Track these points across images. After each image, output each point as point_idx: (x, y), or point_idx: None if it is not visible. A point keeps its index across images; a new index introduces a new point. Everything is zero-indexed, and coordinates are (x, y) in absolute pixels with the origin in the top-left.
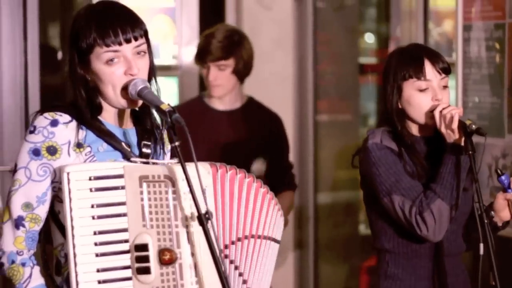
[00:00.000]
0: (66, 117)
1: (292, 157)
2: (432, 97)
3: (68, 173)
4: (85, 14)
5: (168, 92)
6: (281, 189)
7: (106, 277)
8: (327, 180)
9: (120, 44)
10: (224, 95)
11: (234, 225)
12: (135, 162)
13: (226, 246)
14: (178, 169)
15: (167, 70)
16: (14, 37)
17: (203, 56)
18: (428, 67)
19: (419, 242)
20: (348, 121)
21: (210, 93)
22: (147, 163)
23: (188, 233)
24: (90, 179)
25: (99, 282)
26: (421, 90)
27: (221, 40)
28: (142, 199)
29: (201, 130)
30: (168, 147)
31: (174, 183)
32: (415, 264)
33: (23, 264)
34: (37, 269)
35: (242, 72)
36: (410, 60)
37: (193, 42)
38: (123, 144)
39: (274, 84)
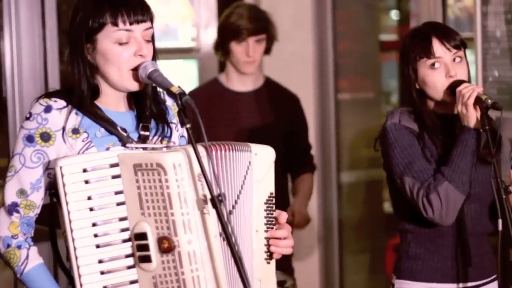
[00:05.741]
0: (60, 103)
1: (314, 136)
2: (446, 74)
3: (61, 167)
4: None
5: (188, 75)
6: (300, 171)
7: (109, 267)
8: (350, 158)
9: (132, 24)
10: (253, 73)
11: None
12: (131, 148)
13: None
14: (170, 156)
15: (186, 52)
16: (33, 25)
17: (238, 33)
18: (436, 44)
19: None
20: (370, 99)
21: (243, 70)
22: (145, 148)
23: (183, 221)
24: (84, 171)
25: (102, 272)
26: (433, 68)
27: (251, 15)
28: (138, 187)
29: (222, 113)
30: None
31: (165, 172)
32: (438, 244)
33: (19, 247)
34: (34, 249)
35: (270, 49)
36: (419, 40)
37: (211, 23)
38: (119, 128)
39: (294, 64)
